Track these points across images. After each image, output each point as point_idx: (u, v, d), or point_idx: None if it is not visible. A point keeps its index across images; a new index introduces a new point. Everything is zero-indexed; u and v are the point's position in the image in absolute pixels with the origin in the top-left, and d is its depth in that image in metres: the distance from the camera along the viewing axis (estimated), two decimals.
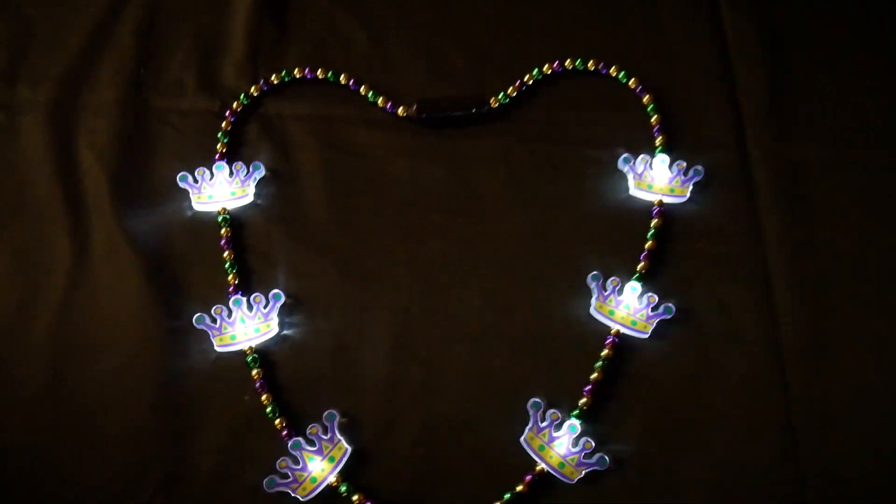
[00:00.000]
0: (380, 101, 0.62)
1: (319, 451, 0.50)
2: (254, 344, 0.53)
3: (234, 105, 0.61)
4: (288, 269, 0.56)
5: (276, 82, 0.63)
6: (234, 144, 0.61)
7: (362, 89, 0.62)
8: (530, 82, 0.63)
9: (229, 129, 0.61)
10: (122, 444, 0.51)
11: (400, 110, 0.61)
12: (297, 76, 0.63)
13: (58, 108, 0.61)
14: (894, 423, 0.51)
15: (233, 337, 0.53)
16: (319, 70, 0.62)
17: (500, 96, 0.62)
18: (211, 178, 0.58)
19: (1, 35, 0.64)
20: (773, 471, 0.50)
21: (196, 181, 0.58)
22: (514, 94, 0.62)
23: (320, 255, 0.57)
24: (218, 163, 0.58)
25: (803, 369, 0.53)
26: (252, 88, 0.62)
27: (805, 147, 0.60)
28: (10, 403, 0.51)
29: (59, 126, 0.60)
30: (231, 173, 0.58)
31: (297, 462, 0.49)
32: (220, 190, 0.58)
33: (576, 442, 0.50)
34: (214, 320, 0.53)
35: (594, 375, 0.52)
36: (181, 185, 0.58)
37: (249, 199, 0.58)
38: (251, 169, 0.59)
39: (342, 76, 0.62)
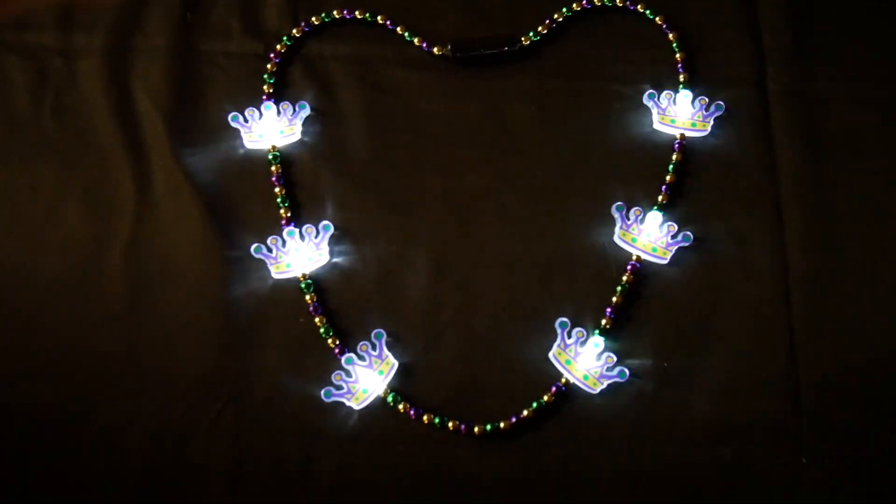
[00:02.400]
0: (416, 40, 0.64)
1: (370, 366, 0.55)
2: (307, 271, 0.58)
3: (278, 47, 0.64)
4: (334, 202, 0.60)
5: (316, 23, 0.65)
6: (280, 85, 0.64)
7: (399, 29, 0.65)
8: (560, 20, 0.65)
9: (274, 70, 0.64)
10: (193, 363, 0.56)
11: (435, 49, 0.64)
12: (337, 17, 0.65)
13: (112, 53, 0.64)
14: (886, 345, 0.56)
15: (288, 265, 0.58)
16: (357, 11, 0.65)
17: (530, 34, 0.64)
18: (260, 118, 0.62)
19: None
20: (773, 384, 0.55)
21: (246, 121, 0.62)
22: (545, 31, 0.64)
23: (364, 189, 0.61)
24: (266, 103, 0.62)
25: (807, 295, 0.57)
26: (294, 30, 0.65)
27: (822, 84, 0.62)
28: (93, 329, 0.57)
29: (115, 71, 0.63)
30: (278, 113, 0.62)
31: (350, 375, 0.55)
32: (270, 129, 0.61)
33: (599, 357, 0.55)
34: (270, 250, 0.58)
35: (616, 298, 0.57)
36: (232, 124, 0.61)
37: (297, 137, 0.62)
38: (297, 108, 0.62)
39: (379, 16, 0.65)
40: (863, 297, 0.57)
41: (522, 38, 0.64)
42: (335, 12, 0.65)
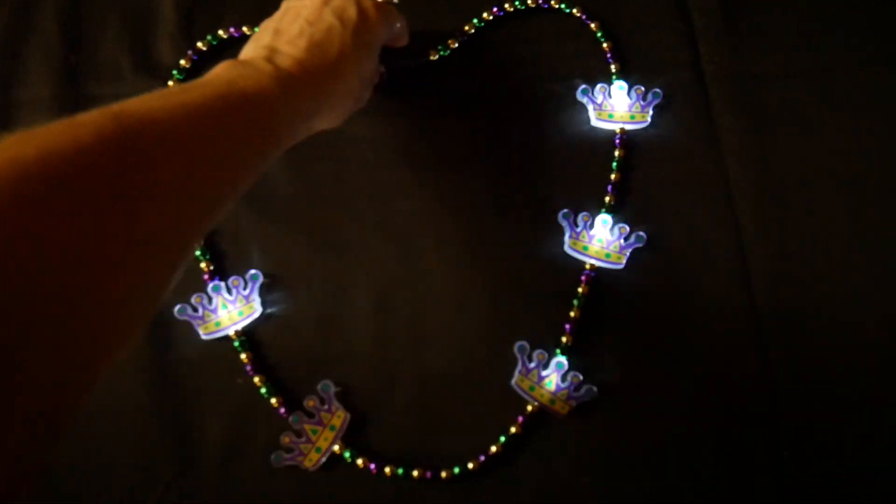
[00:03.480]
0: None
1: (320, 423, 0.51)
2: (239, 327, 0.53)
3: (171, 84, 0.59)
4: (260, 247, 0.56)
5: (204, 49, 0.60)
6: None
7: None
8: (472, 31, 0.61)
9: None
10: (126, 445, 0.51)
11: None
12: (225, 37, 0.60)
13: None
14: (856, 326, 0.54)
15: (217, 324, 0.53)
16: (245, 27, 0.59)
17: (439, 49, 0.60)
18: None
19: None
20: (746, 380, 0.53)
21: None
22: (455, 45, 0.60)
23: (290, 229, 0.56)
24: None
25: (768, 280, 0.54)
26: (182, 61, 0.59)
27: (757, 59, 0.60)
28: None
29: None
30: None
31: (299, 435, 0.51)
32: None
33: (564, 378, 0.52)
34: (196, 309, 0.53)
35: (573, 313, 0.54)
36: None
37: None
38: None
39: None
40: (823, 273, 0.55)
41: (431, 53, 0.60)
42: (221, 32, 0.60)
